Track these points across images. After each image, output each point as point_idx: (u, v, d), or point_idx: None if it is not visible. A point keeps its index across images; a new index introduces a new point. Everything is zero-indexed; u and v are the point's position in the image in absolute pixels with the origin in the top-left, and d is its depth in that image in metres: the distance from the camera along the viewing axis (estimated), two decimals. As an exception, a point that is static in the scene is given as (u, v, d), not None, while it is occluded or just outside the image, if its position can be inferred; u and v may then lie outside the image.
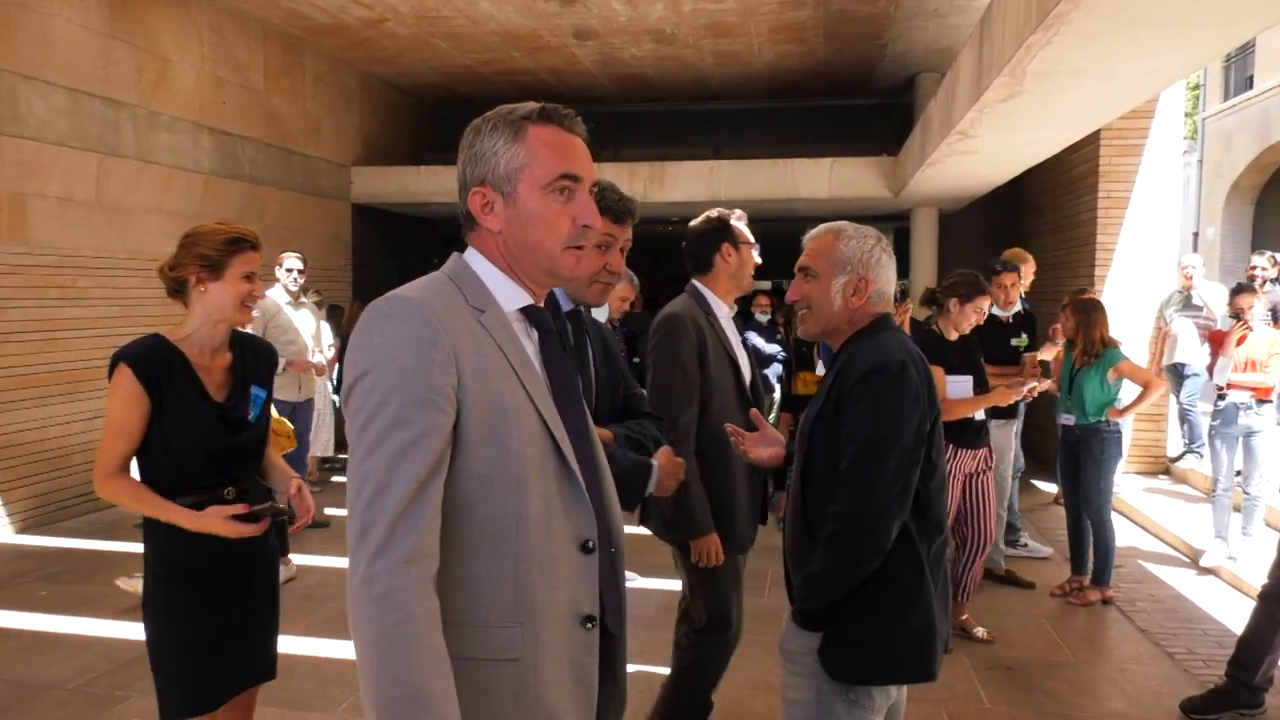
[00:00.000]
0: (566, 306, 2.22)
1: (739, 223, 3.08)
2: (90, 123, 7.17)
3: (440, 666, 1.25)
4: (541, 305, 1.53)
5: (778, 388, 8.48)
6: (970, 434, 4.41)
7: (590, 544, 1.44)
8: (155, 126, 7.87)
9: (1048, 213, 9.82)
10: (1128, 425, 7.39)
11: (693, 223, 3.12)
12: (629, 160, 10.95)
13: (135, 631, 4.54)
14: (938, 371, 4.26)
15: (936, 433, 2.06)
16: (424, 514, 1.28)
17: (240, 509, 2.27)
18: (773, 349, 8.47)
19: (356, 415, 1.31)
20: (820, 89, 12.13)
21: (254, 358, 2.51)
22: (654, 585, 5.33)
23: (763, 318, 8.77)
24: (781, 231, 14.97)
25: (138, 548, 6.17)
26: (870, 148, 10.71)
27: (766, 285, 18.57)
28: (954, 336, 4.48)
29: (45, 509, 6.77)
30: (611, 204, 2.18)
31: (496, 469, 1.35)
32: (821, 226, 2.20)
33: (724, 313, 3.05)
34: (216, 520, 2.23)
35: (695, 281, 3.09)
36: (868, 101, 12.64)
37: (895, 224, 12.25)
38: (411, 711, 1.21)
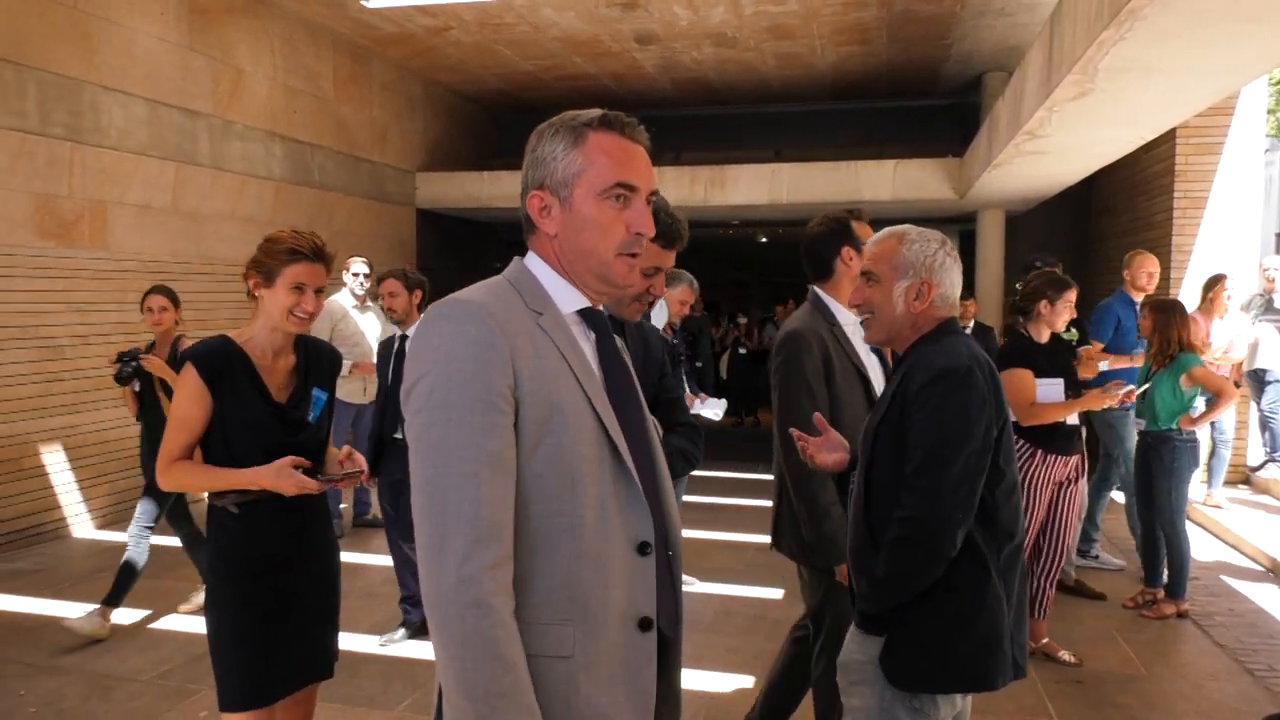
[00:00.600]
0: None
1: (860, 223, 2.88)
2: (168, 132, 7.41)
3: (523, 658, 1.31)
4: (599, 307, 1.55)
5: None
6: (1062, 439, 4.25)
7: (647, 546, 1.44)
8: (229, 135, 8.11)
9: (1121, 214, 9.54)
10: (1231, 435, 7.14)
11: (811, 224, 2.92)
12: (690, 164, 10.94)
13: (207, 626, 4.68)
14: (1027, 375, 4.17)
15: (1005, 438, 2.03)
16: (502, 518, 1.31)
17: (306, 464, 2.35)
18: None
19: (417, 416, 1.34)
20: (883, 90, 11.98)
21: (317, 360, 2.57)
22: (712, 590, 5.30)
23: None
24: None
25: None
26: (936, 149, 10.55)
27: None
28: (1044, 339, 4.36)
29: (122, 506, 7.01)
30: (664, 229, 2.11)
31: (552, 469, 1.36)
32: (885, 230, 2.17)
33: (848, 320, 2.84)
34: (286, 472, 2.30)
35: (815, 289, 2.90)
36: (932, 102, 12.45)
37: (960, 226, 12.03)
38: (508, 708, 1.27)
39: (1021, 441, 4.17)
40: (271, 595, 2.41)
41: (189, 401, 2.34)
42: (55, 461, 6.48)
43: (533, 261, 1.50)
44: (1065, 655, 4.32)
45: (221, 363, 2.36)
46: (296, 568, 2.46)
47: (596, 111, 1.46)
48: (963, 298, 5.13)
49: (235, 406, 2.36)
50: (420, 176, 11.33)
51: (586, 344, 1.50)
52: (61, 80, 6.45)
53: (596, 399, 1.42)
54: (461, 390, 1.31)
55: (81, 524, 6.67)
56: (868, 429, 2.12)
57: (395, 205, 10.89)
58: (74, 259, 6.58)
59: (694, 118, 13.08)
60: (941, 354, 2.01)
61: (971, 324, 7.71)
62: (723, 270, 21.63)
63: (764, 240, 16.74)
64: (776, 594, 5.27)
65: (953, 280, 2.12)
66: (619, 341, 1.59)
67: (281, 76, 8.79)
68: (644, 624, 1.43)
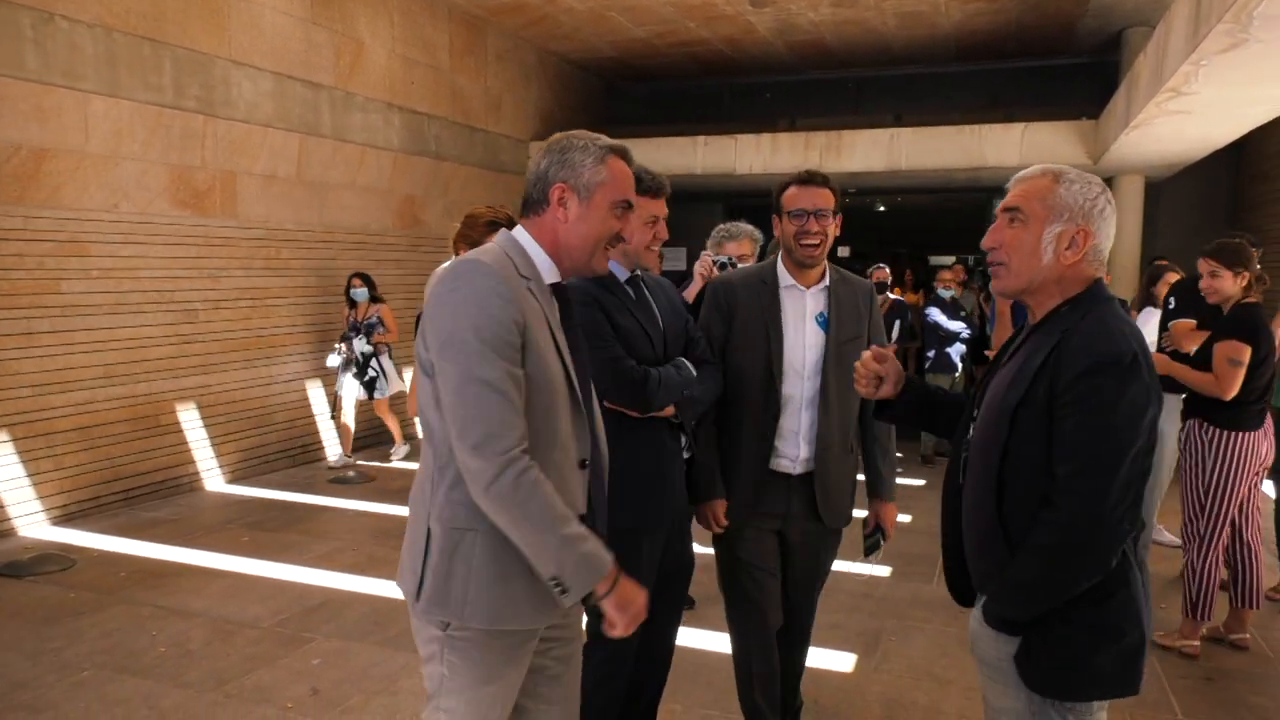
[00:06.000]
0: (623, 276, 2.61)
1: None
2: (293, 104, 7.68)
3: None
4: (563, 283, 1.94)
5: (960, 366, 8.15)
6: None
7: (585, 462, 1.90)
8: (350, 107, 8.34)
9: (1276, 180, 8.84)
10: None
11: None
12: (805, 130, 10.67)
13: (324, 578, 4.88)
14: None
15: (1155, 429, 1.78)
16: (523, 427, 1.72)
17: None
18: (956, 326, 8.11)
19: (464, 348, 1.68)
20: (1012, 50, 11.38)
21: None
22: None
23: (945, 293, 8.40)
24: (968, 202, 14.25)
25: (332, 501, 6.61)
26: (1068, 112, 9.95)
27: (949, 260, 17.76)
28: None
29: (250, 463, 7.38)
30: (649, 185, 2.56)
31: (539, 397, 1.76)
32: (1036, 167, 1.85)
33: None
34: None
35: None
36: (1065, 62, 11.75)
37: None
38: (576, 539, 1.73)
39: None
40: None
41: None
42: (189, 419, 6.86)
43: (523, 237, 1.88)
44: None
45: None
46: None
47: (611, 140, 1.88)
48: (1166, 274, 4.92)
49: None
50: (534, 146, 11.42)
51: (553, 309, 1.88)
52: (195, 56, 6.74)
53: (562, 347, 1.85)
54: (490, 328, 1.68)
55: (213, 478, 7.05)
56: (1003, 406, 1.81)
57: (509, 175, 11.03)
58: (206, 227, 6.91)
59: (810, 82, 12.74)
60: (1103, 334, 1.71)
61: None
62: (838, 240, 21.10)
63: (882, 209, 16.24)
64: (883, 571, 5.14)
65: (1108, 233, 1.81)
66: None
67: (400, 48, 8.98)
68: (581, 519, 1.87)
